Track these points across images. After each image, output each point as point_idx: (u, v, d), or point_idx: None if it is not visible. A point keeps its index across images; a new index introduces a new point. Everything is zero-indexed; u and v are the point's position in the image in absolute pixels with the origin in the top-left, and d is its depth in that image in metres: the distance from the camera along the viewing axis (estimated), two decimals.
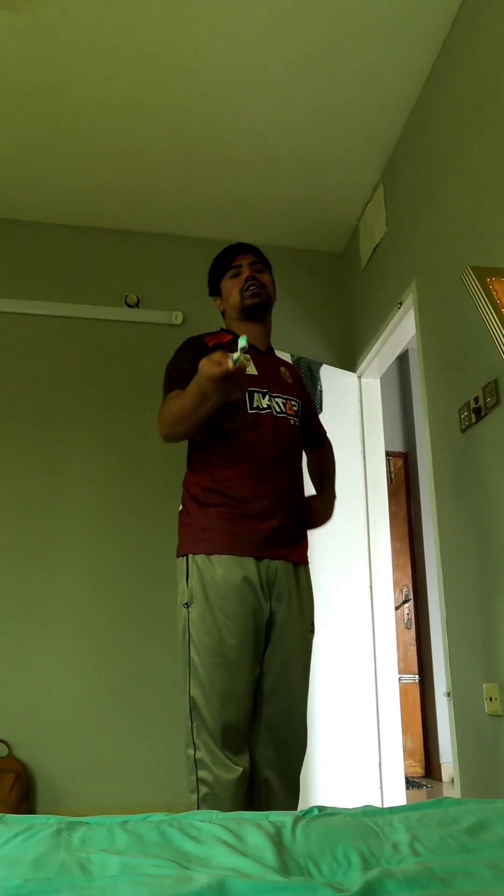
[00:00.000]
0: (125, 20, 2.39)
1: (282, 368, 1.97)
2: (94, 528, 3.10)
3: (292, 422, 1.87)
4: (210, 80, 2.64)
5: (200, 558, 1.71)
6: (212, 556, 1.70)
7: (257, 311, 1.92)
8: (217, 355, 1.54)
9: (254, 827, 1.03)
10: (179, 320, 3.41)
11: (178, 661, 1.73)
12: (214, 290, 2.00)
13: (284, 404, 1.86)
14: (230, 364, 1.49)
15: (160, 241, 3.54)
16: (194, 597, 1.69)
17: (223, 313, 1.99)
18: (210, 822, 1.06)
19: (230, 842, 0.97)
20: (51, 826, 1.03)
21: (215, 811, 1.16)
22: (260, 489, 1.75)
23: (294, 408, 1.90)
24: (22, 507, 3.06)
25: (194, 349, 1.85)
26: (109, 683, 2.94)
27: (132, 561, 3.08)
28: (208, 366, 1.53)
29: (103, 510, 3.12)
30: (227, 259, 1.95)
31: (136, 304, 3.41)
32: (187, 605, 1.70)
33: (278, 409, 1.84)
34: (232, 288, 1.92)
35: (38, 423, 3.18)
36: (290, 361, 3.13)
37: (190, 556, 1.73)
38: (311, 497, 1.96)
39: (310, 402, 2.07)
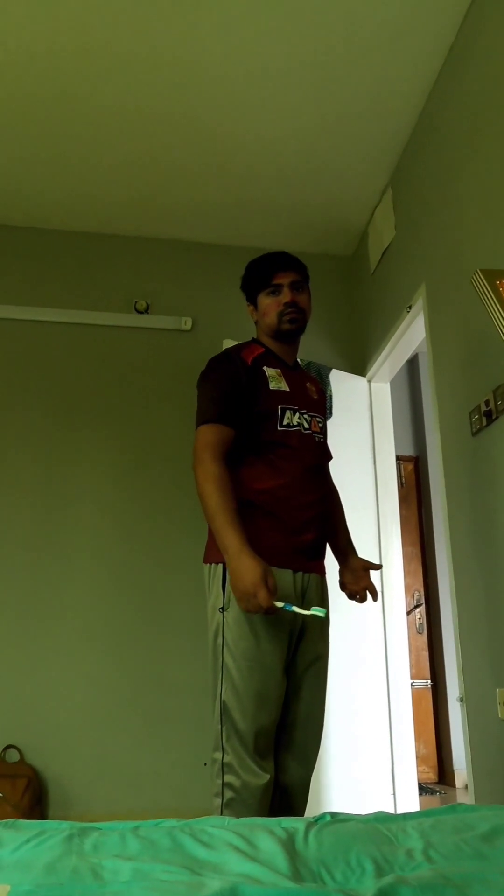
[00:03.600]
0: (135, 31, 2.41)
1: (308, 384, 1.96)
2: (105, 531, 3.10)
3: (317, 438, 1.88)
4: (219, 86, 2.65)
5: None
6: None
7: (293, 336, 1.93)
8: (272, 584, 1.57)
9: (266, 833, 1.02)
10: (189, 326, 3.42)
11: (209, 664, 1.72)
12: (250, 299, 1.97)
13: (310, 421, 1.87)
14: (272, 604, 1.55)
15: (169, 246, 3.55)
16: (231, 601, 1.67)
17: (255, 322, 1.97)
18: (222, 828, 1.05)
19: (242, 848, 0.97)
20: (63, 831, 1.03)
21: (227, 817, 1.16)
22: (294, 504, 1.75)
23: (319, 424, 1.91)
24: (34, 512, 3.08)
25: (232, 365, 1.82)
26: (121, 688, 2.93)
27: (144, 565, 3.09)
28: (261, 589, 1.55)
29: (115, 514, 3.13)
30: (268, 275, 1.90)
31: (146, 310, 3.42)
32: (223, 609, 1.69)
33: (305, 427, 1.84)
34: (270, 308, 1.89)
35: (49, 428, 3.19)
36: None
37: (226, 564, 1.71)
38: (347, 560, 1.96)
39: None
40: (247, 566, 1.57)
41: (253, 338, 1.99)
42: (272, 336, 1.92)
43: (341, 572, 1.95)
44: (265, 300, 1.91)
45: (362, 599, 1.91)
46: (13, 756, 2.78)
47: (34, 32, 2.41)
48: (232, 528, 1.63)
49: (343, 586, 1.94)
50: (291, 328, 1.89)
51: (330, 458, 2.02)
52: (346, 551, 1.98)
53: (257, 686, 1.64)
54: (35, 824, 1.09)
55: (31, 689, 2.88)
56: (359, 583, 1.91)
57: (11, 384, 3.22)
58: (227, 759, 1.63)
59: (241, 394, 1.78)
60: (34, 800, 2.67)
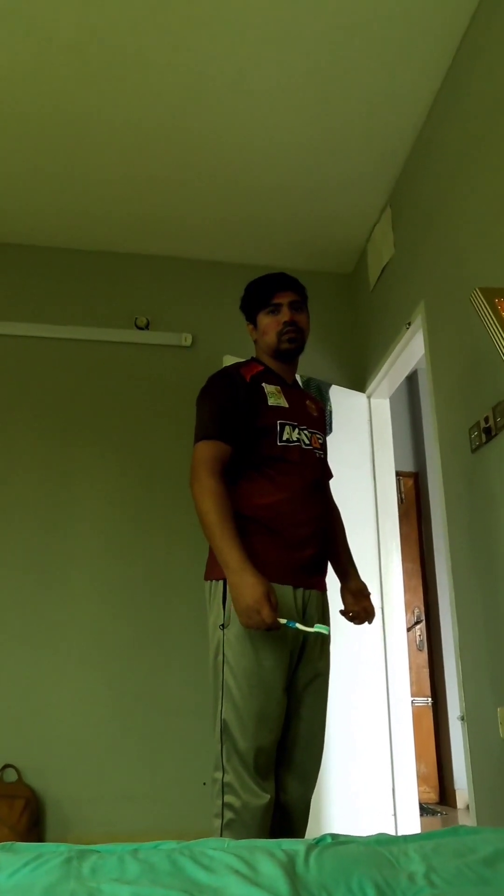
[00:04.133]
0: (133, 48, 2.44)
1: (307, 402, 1.97)
2: (105, 550, 3.09)
3: (318, 454, 1.89)
4: (218, 104, 2.68)
5: None
6: None
7: (292, 355, 1.95)
8: (274, 601, 1.57)
9: (266, 856, 1.01)
10: (189, 342, 3.43)
11: (209, 682, 1.71)
12: (249, 318, 1.99)
13: (310, 437, 1.88)
14: (276, 620, 1.56)
15: (170, 263, 3.58)
16: (232, 618, 1.67)
17: (255, 341, 1.99)
18: (222, 851, 1.04)
19: (242, 871, 0.96)
20: (61, 854, 1.02)
21: (227, 839, 1.14)
22: (294, 519, 1.76)
23: (319, 441, 1.92)
24: (33, 530, 3.07)
25: (231, 383, 1.84)
26: (120, 708, 2.91)
27: (145, 585, 3.07)
28: (264, 606, 1.55)
29: (115, 532, 3.12)
30: (267, 294, 1.92)
31: (147, 327, 3.44)
32: (223, 626, 1.68)
33: (306, 442, 1.85)
34: (269, 327, 1.91)
35: (50, 445, 3.19)
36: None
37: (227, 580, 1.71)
38: (347, 586, 1.96)
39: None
40: (249, 583, 1.57)
41: (252, 356, 2.01)
42: (271, 355, 1.94)
43: (342, 592, 1.95)
44: (265, 319, 1.93)
45: (361, 621, 1.91)
46: (11, 776, 2.75)
47: (36, 51, 2.44)
48: (232, 544, 1.63)
49: (343, 609, 1.93)
50: (290, 347, 1.92)
51: (330, 475, 2.02)
52: (347, 571, 1.98)
53: (258, 704, 1.63)
54: (33, 847, 1.08)
55: (30, 708, 2.86)
56: (359, 603, 1.92)
57: (10, 401, 3.23)
58: (227, 778, 1.62)
59: (240, 411, 1.79)
60: (32, 821, 2.64)
